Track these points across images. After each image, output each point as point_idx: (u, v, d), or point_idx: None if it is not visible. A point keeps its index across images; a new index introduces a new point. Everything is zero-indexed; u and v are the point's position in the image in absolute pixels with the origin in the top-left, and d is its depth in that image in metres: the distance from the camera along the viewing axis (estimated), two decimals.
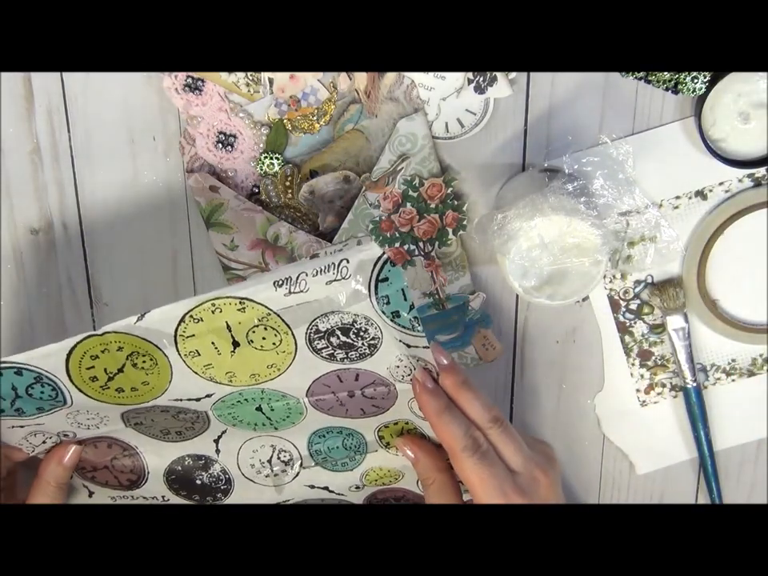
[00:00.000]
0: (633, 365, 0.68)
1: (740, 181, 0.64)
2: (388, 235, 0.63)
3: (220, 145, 0.62)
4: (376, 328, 0.51)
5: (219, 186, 0.62)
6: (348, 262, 0.48)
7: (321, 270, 0.48)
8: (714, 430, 0.69)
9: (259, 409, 0.57)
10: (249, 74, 0.60)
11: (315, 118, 0.61)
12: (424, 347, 0.52)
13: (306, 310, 0.50)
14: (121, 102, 0.61)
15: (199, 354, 0.52)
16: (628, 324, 0.67)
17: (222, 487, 0.63)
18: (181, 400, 0.56)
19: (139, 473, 0.62)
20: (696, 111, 0.61)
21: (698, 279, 0.65)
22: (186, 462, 0.62)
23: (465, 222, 0.63)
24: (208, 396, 0.55)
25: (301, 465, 0.61)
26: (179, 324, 0.51)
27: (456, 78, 0.61)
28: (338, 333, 0.51)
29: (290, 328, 0.51)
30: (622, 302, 0.67)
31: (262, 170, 0.62)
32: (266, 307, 0.50)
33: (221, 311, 0.50)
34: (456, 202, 0.62)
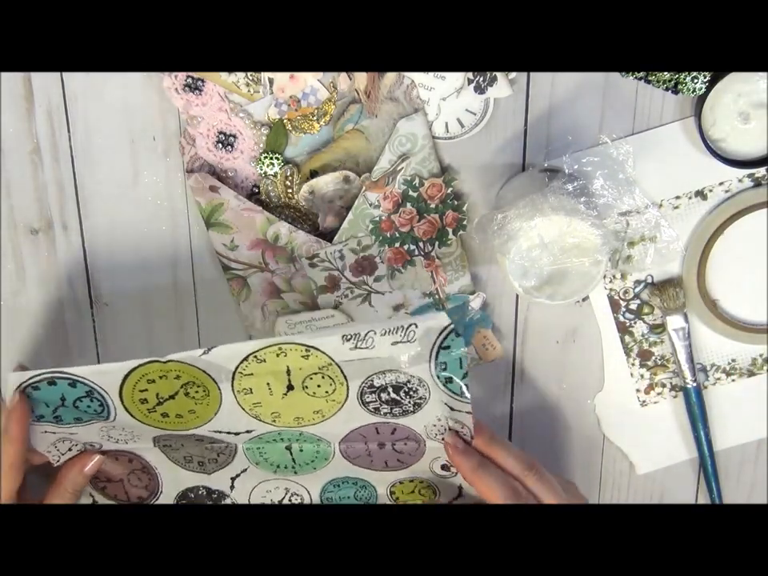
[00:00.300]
0: (633, 365, 0.68)
1: (740, 181, 0.64)
2: (388, 235, 0.63)
3: (220, 145, 0.62)
4: (426, 389, 0.53)
5: (219, 186, 0.62)
6: (416, 326, 0.51)
7: (389, 331, 0.51)
8: (714, 430, 0.69)
9: (289, 448, 0.59)
10: (249, 74, 0.60)
11: (315, 118, 0.61)
12: (467, 412, 0.54)
13: (368, 365, 0.52)
14: (121, 101, 0.61)
15: (251, 392, 0.54)
16: (628, 324, 0.67)
17: None
18: (220, 432, 0.57)
19: (152, 491, 0.63)
20: (696, 111, 0.61)
21: (698, 279, 0.65)
22: (200, 492, 0.63)
23: (465, 222, 0.63)
24: (247, 432, 0.57)
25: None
26: (242, 362, 0.52)
27: (456, 78, 0.60)
28: (390, 389, 0.54)
29: (346, 379, 0.53)
30: (621, 301, 0.67)
31: (262, 170, 0.62)
32: (329, 357, 0.52)
33: (285, 355, 0.52)
34: (456, 202, 0.62)
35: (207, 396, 0.54)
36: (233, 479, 0.62)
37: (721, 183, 0.64)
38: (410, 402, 0.54)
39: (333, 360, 0.52)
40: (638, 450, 0.70)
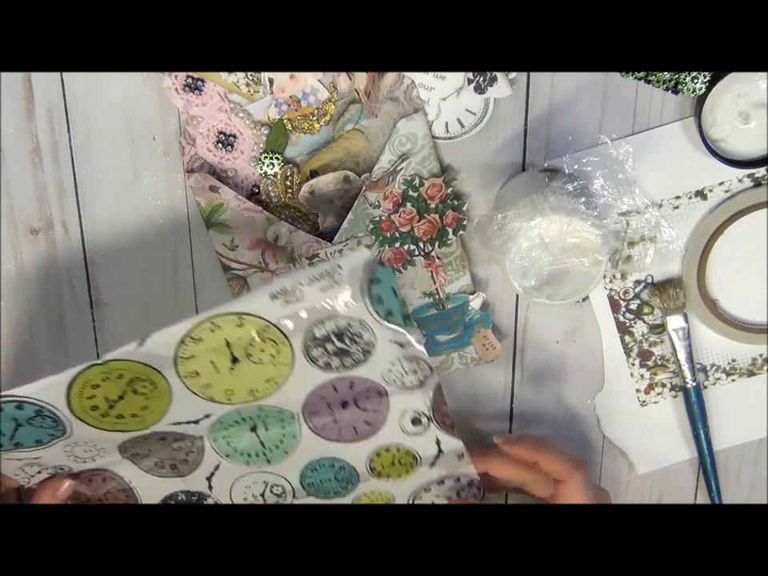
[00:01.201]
0: (633, 365, 0.68)
1: (740, 181, 0.64)
2: (388, 235, 0.63)
3: (220, 145, 0.62)
4: (370, 332, 0.52)
5: (219, 186, 0.62)
6: (341, 267, 0.49)
7: (315, 278, 0.49)
8: (713, 430, 0.69)
9: (254, 429, 0.57)
10: (249, 74, 0.60)
11: (315, 118, 0.61)
12: (417, 340, 0.52)
13: (303, 317, 0.51)
14: (121, 102, 0.61)
15: (198, 375, 0.53)
16: (628, 324, 0.67)
17: None
18: (179, 423, 0.56)
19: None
20: (696, 111, 0.61)
21: (698, 279, 0.65)
22: (180, 498, 0.62)
23: (465, 222, 0.63)
24: (207, 416, 0.56)
25: (293, 496, 0.62)
26: (179, 346, 0.51)
27: (456, 78, 0.60)
28: (333, 338, 0.52)
29: (287, 338, 0.52)
30: (622, 301, 0.67)
31: (261, 170, 0.62)
32: (264, 320, 0.51)
33: (220, 329, 0.51)
34: (456, 202, 0.62)
35: (155, 389, 0.53)
36: (209, 479, 0.61)
37: (721, 183, 0.64)
38: (358, 350, 0.53)
39: (268, 321, 0.51)
40: (638, 450, 0.70)
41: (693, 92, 0.60)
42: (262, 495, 0.62)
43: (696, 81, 0.60)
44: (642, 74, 0.61)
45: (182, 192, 0.63)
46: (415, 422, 0.57)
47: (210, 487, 0.61)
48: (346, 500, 0.62)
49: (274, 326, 0.51)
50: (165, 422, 0.56)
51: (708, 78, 0.59)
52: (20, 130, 0.62)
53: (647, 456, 0.71)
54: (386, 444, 0.59)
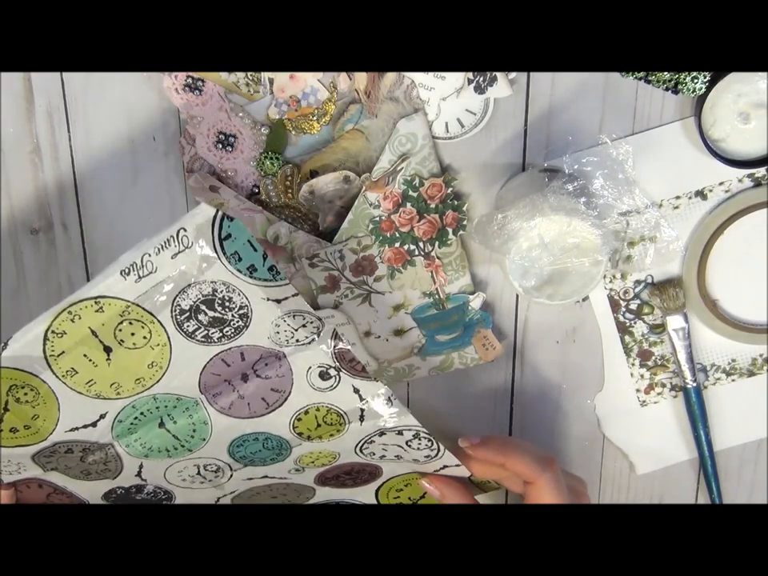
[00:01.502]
0: (633, 365, 0.68)
1: (740, 181, 0.64)
2: (388, 235, 0.63)
3: (220, 145, 0.62)
4: (239, 294, 0.50)
5: (219, 186, 0.62)
6: (186, 230, 0.47)
7: (162, 246, 0.48)
8: (713, 430, 0.69)
9: (162, 425, 0.55)
10: (249, 74, 0.60)
11: (315, 118, 0.61)
12: (293, 296, 0.50)
13: (162, 289, 0.49)
14: (121, 102, 0.61)
15: (77, 372, 0.51)
16: (628, 324, 0.67)
17: (163, 497, 0.62)
18: (77, 429, 0.54)
19: (77, 503, 0.61)
20: (696, 111, 0.61)
21: (698, 279, 0.65)
22: (119, 492, 0.60)
23: (465, 222, 0.63)
24: (102, 417, 0.54)
25: (231, 469, 0.60)
26: (45, 343, 0.50)
27: (456, 78, 0.60)
28: (204, 308, 0.50)
29: (153, 316, 0.50)
30: (622, 301, 0.67)
31: (261, 170, 0.62)
32: (122, 300, 0.49)
33: (80, 318, 0.49)
34: (456, 202, 0.62)
35: (38, 395, 0.52)
36: (138, 475, 0.59)
37: (721, 183, 0.64)
38: (234, 316, 0.50)
39: (127, 301, 0.49)
40: (638, 450, 0.70)
41: (693, 92, 0.60)
42: (199, 474, 0.60)
43: (696, 81, 0.60)
44: (641, 73, 0.61)
45: (181, 192, 0.63)
46: (324, 376, 0.54)
47: (144, 479, 0.60)
48: (288, 462, 0.59)
49: (135, 305, 0.49)
50: (61, 430, 0.54)
51: (708, 78, 0.59)
52: (20, 130, 0.62)
53: (647, 456, 0.71)
54: (303, 407, 0.55)
